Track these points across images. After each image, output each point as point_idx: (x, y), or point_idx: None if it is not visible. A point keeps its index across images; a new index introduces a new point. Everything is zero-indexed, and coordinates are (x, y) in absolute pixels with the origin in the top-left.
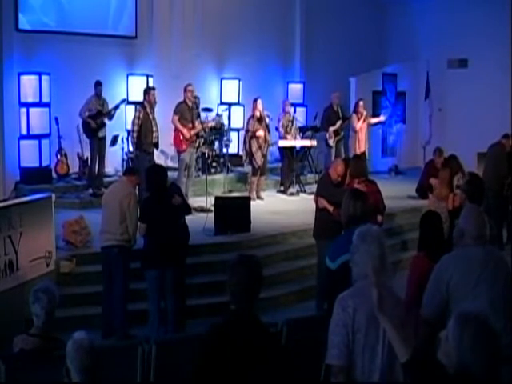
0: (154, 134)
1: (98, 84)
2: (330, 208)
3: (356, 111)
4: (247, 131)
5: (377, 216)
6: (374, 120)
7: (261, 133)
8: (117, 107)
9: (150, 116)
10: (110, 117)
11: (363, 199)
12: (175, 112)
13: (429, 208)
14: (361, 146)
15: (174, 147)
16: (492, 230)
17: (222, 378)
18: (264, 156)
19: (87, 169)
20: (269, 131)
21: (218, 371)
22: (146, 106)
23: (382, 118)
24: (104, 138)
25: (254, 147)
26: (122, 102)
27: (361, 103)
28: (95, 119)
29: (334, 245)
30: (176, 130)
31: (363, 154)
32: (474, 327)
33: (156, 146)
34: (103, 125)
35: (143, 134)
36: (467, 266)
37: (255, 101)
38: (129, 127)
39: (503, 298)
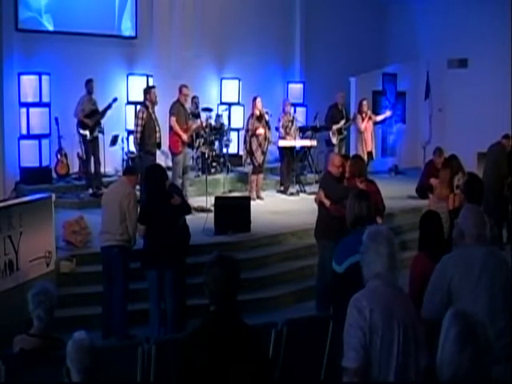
0: (157, 134)
1: (90, 80)
2: (327, 202)
3: (360, 111)
4: (247, 130)
5: (376, 218)
6: (379, 117)
7: (261, 131)
8: (109, 107)
9: (153, 116)
10: (102, 116)
11: (368, 199)
12: (172, 113)
13: (429, 208)
14: (367, 145)
15: (169, 149)
16: (492, 230)
17: (203, 380)
18: (264, 153)
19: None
20: (269, 128)
21: (200, 373)
22: (148, 105)
23: (387, 114)
24: (97, 138)
25: (254, 145)
26: (114, 100)
27: (364, 103)
28: (90, 118)
29: (339, 247)
30: (173, 131)
31: (370, 153)
32: (462, 324)
33: (159, 145)
34: (99, 124)
35: (147, 134)
36: (467, 266)
37: (254, 99)
38: (129, 127)
39: (503, 298)
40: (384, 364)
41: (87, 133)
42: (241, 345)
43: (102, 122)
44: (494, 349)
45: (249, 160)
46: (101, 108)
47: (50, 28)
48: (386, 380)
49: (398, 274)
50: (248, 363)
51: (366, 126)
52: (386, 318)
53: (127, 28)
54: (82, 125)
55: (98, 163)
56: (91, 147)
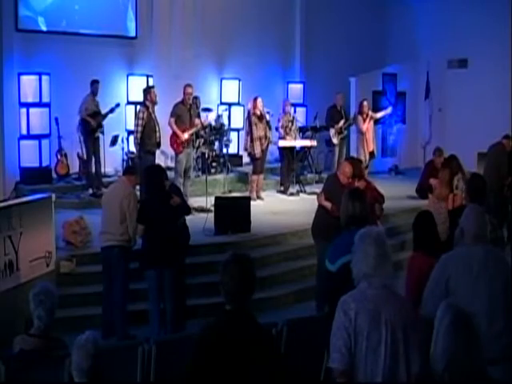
0: (157, 134)
1: (95, 82)
2: (328, 205)
3: (361, 112)
4: (248, 131)
5: (376, 221)
6: (379, 114)
7: (261, 133)
8: (111, 111)
9: (153, 116)
10: (104, 119)
11: (362, 199)
12: (171, 115)
13: (428, 208)
14: (369, 145)
15: (171, 148)
16: (497, 231)
17: (215, 378)
18: (263, 152)
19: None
20: (269, 128)
21: (212, 371)
22: (148, 105)
23: (388, 110)
24: (98, 138)
25: (253, 137)
26: (117, 106)
27: (365, 103)
28: (94, 119)
29: (333, 246)
30: (173, 132)
31: (372, 153)
32: (454, 314)
33: (158, 145)
34: (101, 125)
35: (147, 134)
36: (466, 265)
37: (255, 99)
38: (129, 127)
39: (502, 297)
40: (371, 365)
41: (93, 123)
42: (255, 344)
43: (103, 122)
44: (483, 343)
45: (248, 153)
46: (103, 111)
47: (50, 28)
48: (373, 381)
49: (389, 274)
50: (261, 363)
51: (367, 126)
52: (372, 320)
53: (127, 28)
54: (84, 124)
55: (98, 163)
56: (91, 147)
